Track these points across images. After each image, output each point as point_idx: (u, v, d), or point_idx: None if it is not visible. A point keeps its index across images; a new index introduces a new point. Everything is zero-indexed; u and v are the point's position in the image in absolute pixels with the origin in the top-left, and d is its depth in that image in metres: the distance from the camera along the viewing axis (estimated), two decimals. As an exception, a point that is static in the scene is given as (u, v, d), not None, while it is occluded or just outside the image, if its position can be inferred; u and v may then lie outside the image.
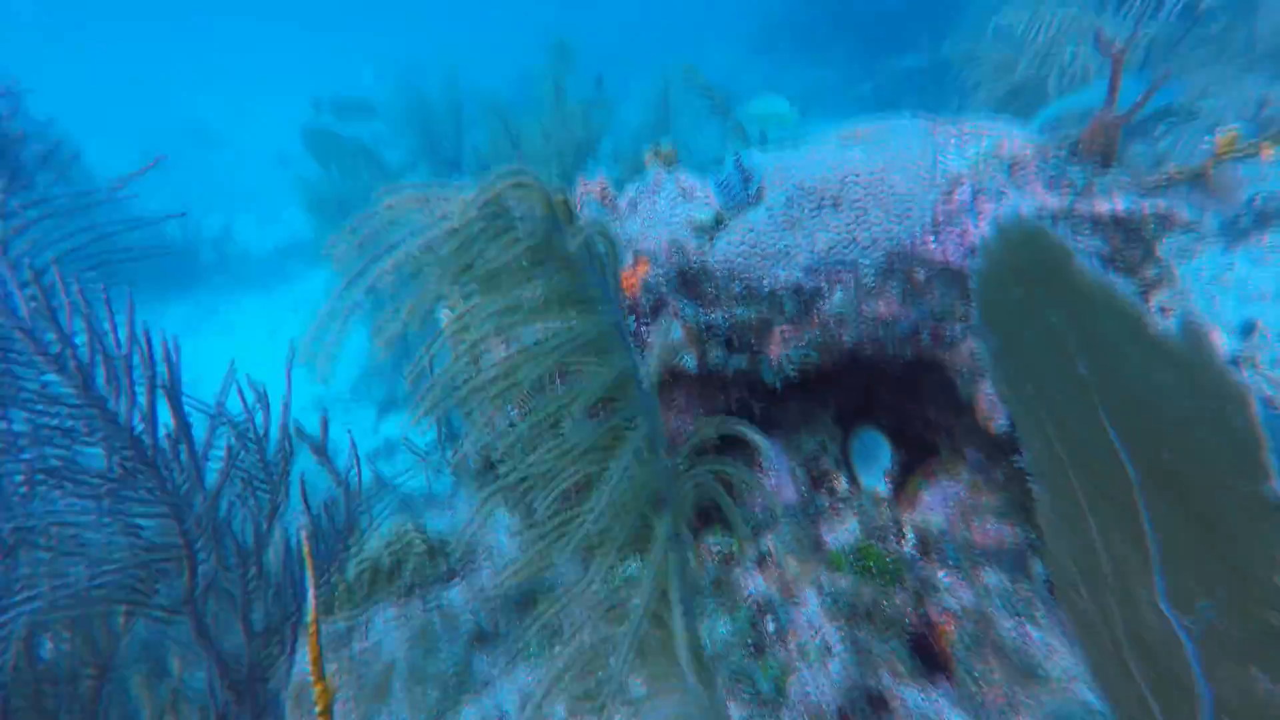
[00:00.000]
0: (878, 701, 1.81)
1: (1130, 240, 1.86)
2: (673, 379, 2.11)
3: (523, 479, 0.98)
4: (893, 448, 2.36)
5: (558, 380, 1.00)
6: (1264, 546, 1.15)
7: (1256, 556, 1.16)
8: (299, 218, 11.79)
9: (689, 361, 1.95)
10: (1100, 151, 1.88)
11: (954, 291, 1.94)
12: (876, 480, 2.32)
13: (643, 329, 2.01)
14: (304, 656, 2.30)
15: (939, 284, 1.94)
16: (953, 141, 2.03)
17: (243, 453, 1.85)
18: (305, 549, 1.21)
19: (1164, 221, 1.82)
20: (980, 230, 1.84)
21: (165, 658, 1.78)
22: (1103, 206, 1.83)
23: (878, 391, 2.46)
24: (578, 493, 0.99)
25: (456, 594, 2.61)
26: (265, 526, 1.85)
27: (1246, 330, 2.34)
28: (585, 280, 0.95)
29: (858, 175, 1.99)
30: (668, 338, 1.93)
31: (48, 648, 1.61)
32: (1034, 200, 1.83)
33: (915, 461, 2.40)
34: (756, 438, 1.12)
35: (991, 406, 1.92)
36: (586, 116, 7.92)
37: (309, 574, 1.15)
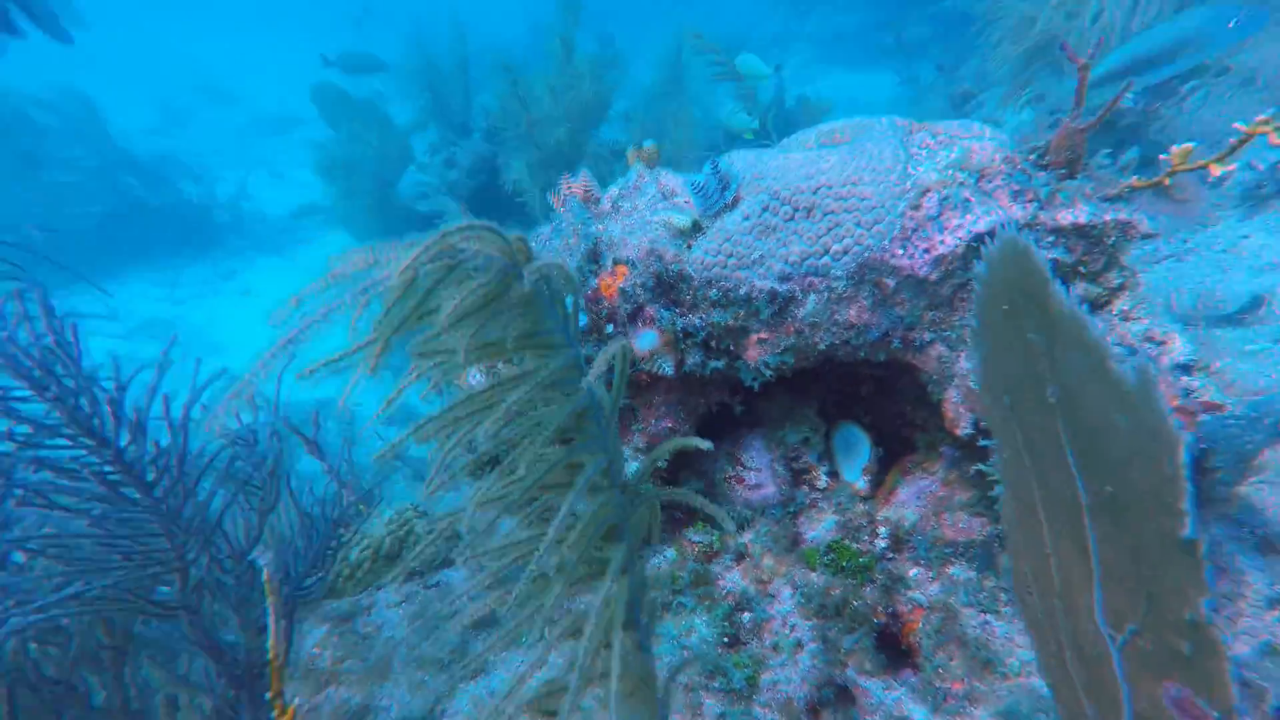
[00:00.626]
0: (844, 694, 1.93)
1: (1093, 248, 1.87)
2: (652, 382, 2.18)
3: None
4: (873, 443, 2.43)
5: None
6: (1175, 582, 1.24)
7: (1170, 589, 1.25)
8: (313, 179, 11.82)
9: (666, 367, 2.03)
10: (1067, 160, 1.88)
11: (921, 300, 1.97)
12: (855, 475, 2.40)
13: (619, 335, 2.08)
14: (311, 638, 2.48)
15: (907, 292, 1.97)
16: (925, 149, 2.03)
17: (237, 453, 1.96)
18: (267, 586, 1.32)
19: (1125, 229, 1.83)
20: (945, 242, 1.86)
21: (174, 645, 1.94)
22: (1065, 217, 1.84)
23: (859, 387, 2.52)
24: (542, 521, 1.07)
25: (457, 576, 2.76)
26: (259, 527, 1.98)
27: (1255, 303, 2.35)
28: (544, 320, 0.98)
29: (830, 185, 2.00)
30: (643, 347, 2.00)
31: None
32: (998, 211, 1.85)
33: (895, 456, 2.48)
34: (705, 445, 1.19)
35: (957, 413, 1.98)
36: (597, 76, 7.73)
37: (270, 608, 1.27)
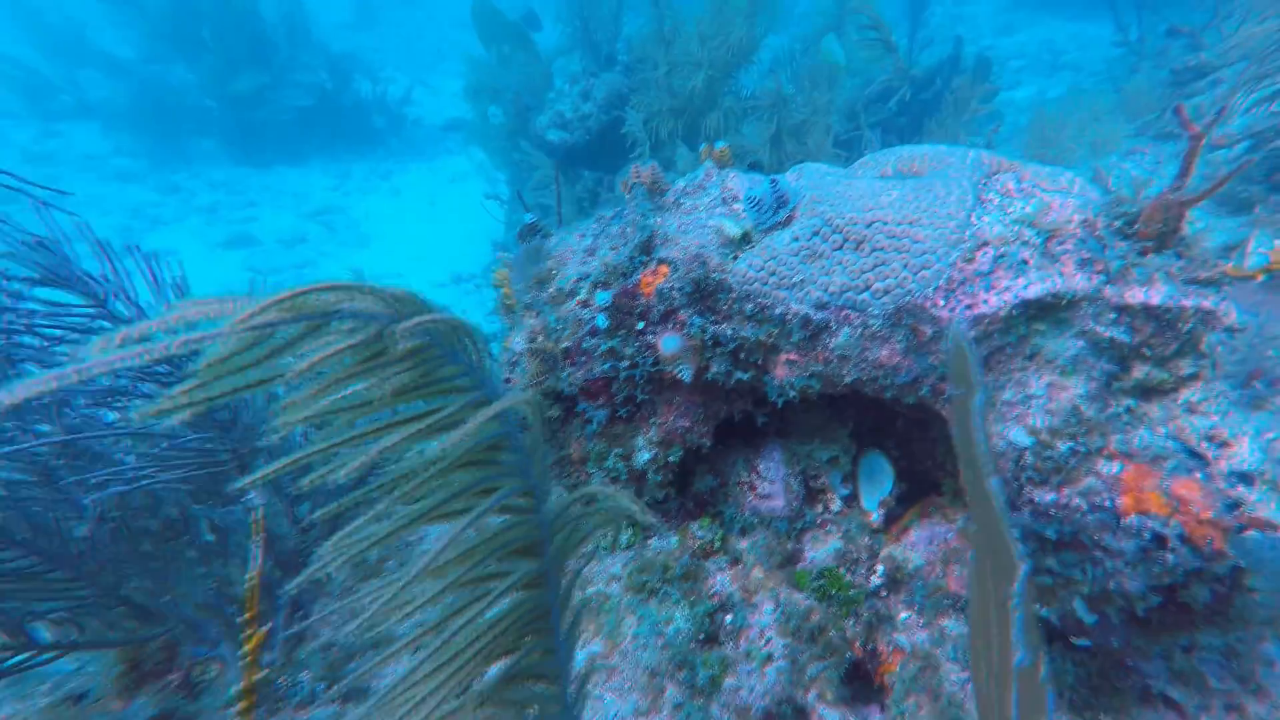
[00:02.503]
0: (801, 715, 2.02)
1: (1164, 331, 1.70)
2: (676, 381, 2.25)
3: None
4: (896, 477, 2.39)
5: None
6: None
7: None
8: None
9: (685, 373, 2.09)
10: (1158, 232, 1.69)
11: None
12: (872, 505, 2.38)
13: (648, 334, 2.15)
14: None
15: (943, 342, 1.90)
16: (1001, 194, 1.89)
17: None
18: (254, 526, 1.57)
19: (1206, 318, 1.64)
20: (989, 301, 1.77)
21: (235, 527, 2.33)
22: (1135, 295, 1.68)
23: (895, 419, 2.46)
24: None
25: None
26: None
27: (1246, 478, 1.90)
28: (438, 369, 0.95)
29: (886, 221, 1.93)
30: (666, 350, 2.07)
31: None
32: (1056, 279, 1.71)
33: (917, 495, 2.42)
34: (651, 520, 1.27)
35: (972, 476, 1.92)
36: (751, 15, 7.37)
37: (257, 546, 1.51)
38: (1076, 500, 1.61)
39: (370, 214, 14.41)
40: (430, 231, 13.67)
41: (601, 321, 2.07)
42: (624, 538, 2.34)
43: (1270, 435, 1.71)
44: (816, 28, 8.12)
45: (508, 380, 2.29)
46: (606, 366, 2.08)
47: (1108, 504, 1.57)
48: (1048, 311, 1.75)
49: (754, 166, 5.21)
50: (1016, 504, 1.71)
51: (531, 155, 8.97)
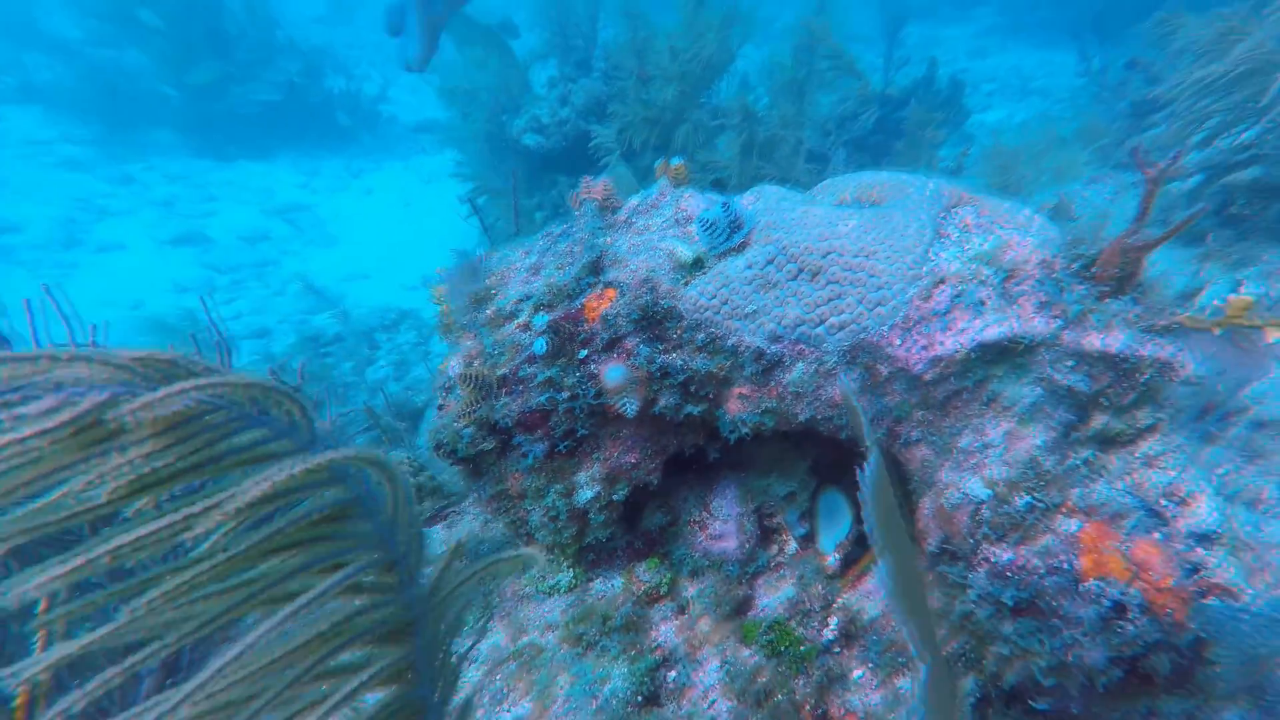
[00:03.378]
0: (742, 776, 1.88)
1: (1122, 380, 1.61)
2: (619, 416, 2.12)
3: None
4: (854, 517, 2.28)
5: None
6: None
7: None
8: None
9: (629, 407, 1.95)
10: (1115, 276, 1.61)
11: (913, 396, 1.78)
12: (829, 548, 2.26)
13: (591, 363, 2.01)
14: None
15: (899, 384, 1.79)
16: (960, 229, 1.80)
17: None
18: None
19: (1165, 369, 1.56)
20: (945, 343, 1.66)
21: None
22: (1093, 341, 1.59)
23: (855, 455, 2.35)
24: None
25: (436, 533, 2.86)
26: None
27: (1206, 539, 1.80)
28: (221, 440, 0.78)
29: (842, 253, 1.82)
30: (609, 381, 1.93)
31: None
32: (1014, 321, 1.62)
33: (876, 534, 2.32)
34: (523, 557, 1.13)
35: (927, 525, 1.81)
36: (723, 30, 7.30)
37: None
38: (1034, 561, 1.51)
39: (340, 213, 14.07)
40: (403, 233, 13.37)
41: (540, 348, 1.92)
42: (564, 579, 2.19)
43: (1222, 470, 1.63)
44: (791, 45, 8.09)
45: (442, 408, 2.13)
46: (544, 398, 1.93)
47: (1067, 566, 1.47)
48: (1006, 355, 1.65)
49: (718, 184, 5.11)
50: (973, 563, 1.60)
51: (507, 160, 8.79)
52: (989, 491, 1.60)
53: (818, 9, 7.83)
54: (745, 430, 2.07)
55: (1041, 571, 1.48)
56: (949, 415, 1.75)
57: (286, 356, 8.54)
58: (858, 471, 1.32)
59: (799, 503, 2.34)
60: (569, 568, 2.21)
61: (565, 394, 1.95)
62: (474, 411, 1.93)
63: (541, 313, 2.07)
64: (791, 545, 2.27)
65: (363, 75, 19.87)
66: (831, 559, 2.24)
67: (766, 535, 2.32)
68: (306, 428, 0.84)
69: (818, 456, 2.42)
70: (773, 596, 2.16)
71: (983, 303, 1.65)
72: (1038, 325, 1.62)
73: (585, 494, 2.05)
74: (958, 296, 1.67)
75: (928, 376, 1.71)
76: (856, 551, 2.28)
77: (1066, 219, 5.10)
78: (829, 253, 1.84)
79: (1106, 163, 6.00)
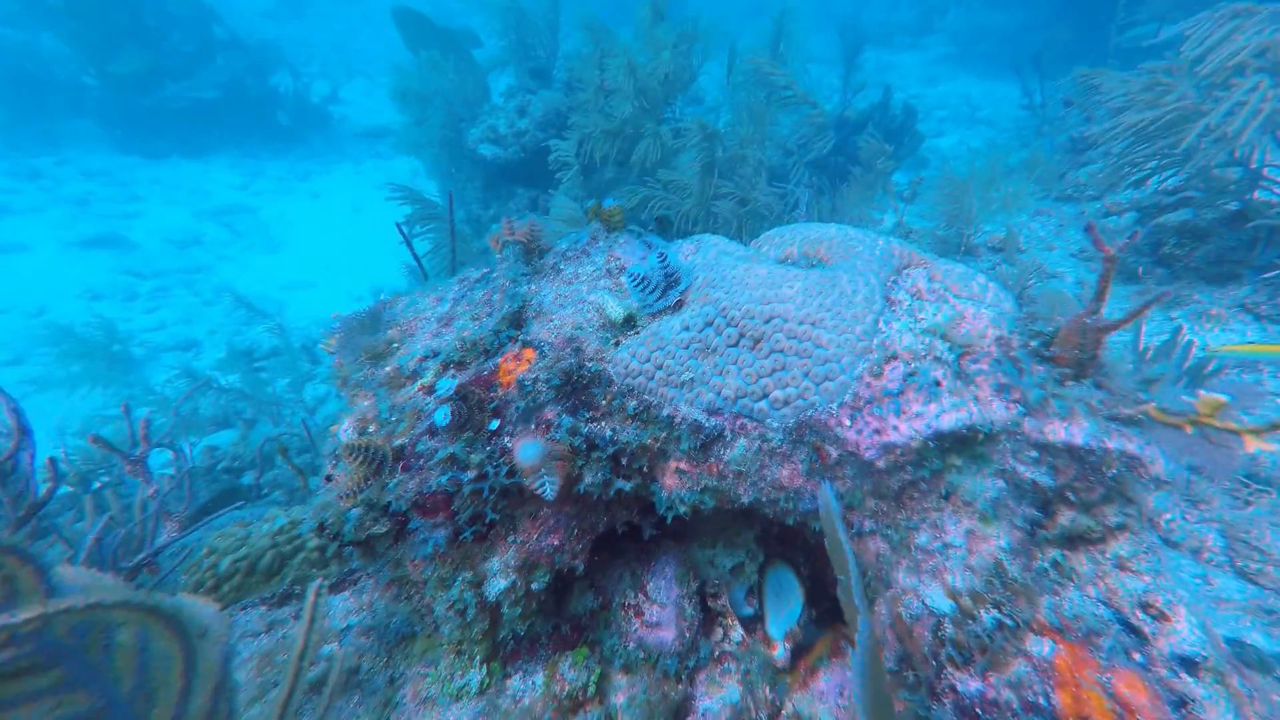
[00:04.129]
0: None
1: (1088, 474, 1.44)
2: (537, 495, 1.87)
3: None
4: (805, 600, 2.07)
5: None
6: None
7: None
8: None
9: (547, 489, 1.70)
10: (1075, 358, 1.44)
11: (866, 483, 1.59)
12: (779, 634, 2.05)
13: (504, 436, 1.76)
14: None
15: (850, 469, 1.59)
16: (911, 297, 1.61)
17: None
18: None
19: (1133, 464, 1.39)
20: (899, 429, 1.47)
21: None
22: (1056, 431, 1.42)
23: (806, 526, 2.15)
24: None
25: (339, 603, 2.56)
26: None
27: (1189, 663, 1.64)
28: None
29: (786, 319, 1.61)
30: (523, 460, 1.68)
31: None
32: (971, 407, 1.43)
33: (827, 617, 2.12)
34: None
35: (883, 634, 1.60)
36: (680, 48, 7.13)
37: None
38: (1006, 695, 1.31)
39: (284, 216, 13.42)
40: (351, 240, 12.81)
41: (442, 418, 1.66)
42: (475, 679, 1.92)
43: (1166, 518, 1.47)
44: (750, 68, 7.99)
45: (329, 479, 1.85)
46: (445, 479, 1.67)
47: (1043, 703, 1.28)
48: (964, 445, 1.46)
49: (661, 222, 4.90)
50: (936, 691, 1.40)
51: (465, 169, 8.44)
52: (952, 604, 1.41)
53: (776, 33, 7.76)
54: (683, 509, 1.85)
55: (1015, 709, 1.29)
56: (904, 508, 1.55)
57: (212, 373, 8.01)
58: (846, 649, 1.10)
59: (746, 575, 2.13)
60: (481, 663, 1.94)
61: (471, 473, 1.69)
62: (360, 491, 1.66)
63: (450, 374, 1.82)
64: (737, 632, 2.05)
65: (314, 74, 19.21)
66: (780, 649, 2.02)
67: (709, 620, 2.10)
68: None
69: (765, 528, 2.22)
70: (715, 698, 1.93)
71: (938, 384, 1.47)
72: (997, 411, 1.44)
73: (497, 585, 1.80)
74: (911, 375, 1.48)
75: (880, 464, 1.51)
76: (807, 637, 2.07)
77: (1015, 251, 5.09)
78: (771, 318, 1.63)
79: (1048, 194, 6.07)
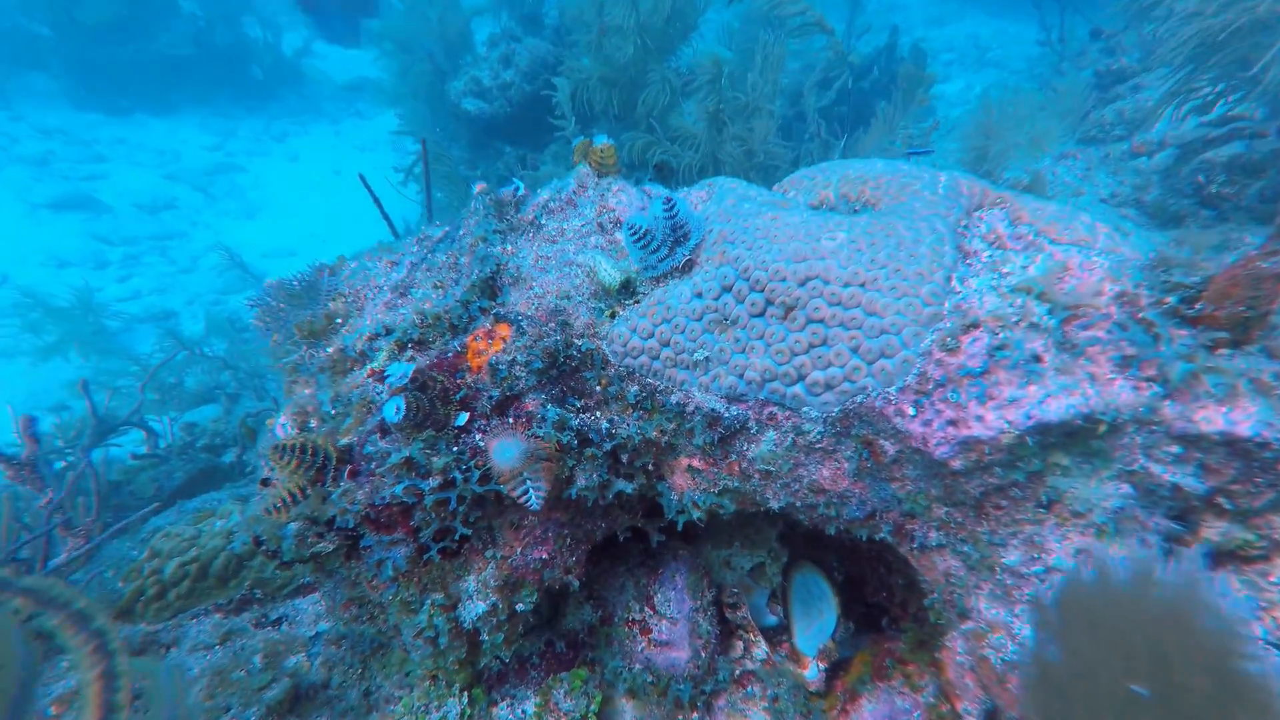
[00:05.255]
0: None
1: (1251, 475, 1.11)
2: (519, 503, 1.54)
3: None
4: (840, 609, 1.77)
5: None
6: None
7: None
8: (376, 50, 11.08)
9: (532, 498, 1.36)
10: (1234, 316, 1.09)
11: (933, 487, 1.25)
12: (810, 650, 1.75)
13: (475, 432, 1.42)
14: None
15: (912, 468, 1.26)
16: (990, 245, 1.25)
17: None
18: None
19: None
20: (985, 419, 1.13)
21: None
22: (1209, 419, 1.08)
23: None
24: None
25: (308, 606, 2.25)
26: None
27: None
28: None
29: (826, 280, 1.26)
30: (500, 463, 1.34)
31: None
32: (1088, 390, 1.09)
33: (867, 626, 1.82)
34: None
35: (960, 681, 1.29)
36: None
37: None
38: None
39: (260, 180, 12.82)
40: (333, 204, 12.25)
41: (394, 413, 1.31)
42: (453, 710, 1.62)
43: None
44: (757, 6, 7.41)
45: (266, 483, 1.50)
46: (400, 489, 1.33)
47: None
48: (1074, 439, 1.13)
49: (661, 169, 4.46)
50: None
51: (449, 126, 7.89)
52: (1053, 649, 1.08)
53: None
54: (697, 514, 1.52)
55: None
56: (986, 518, 1.22)
57: (196, 343, 7.60)
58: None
59: (768, 578, 1.82)
60: (461, 690, 1.64)
61: (435, 481, 1.35)
62: (295, 504, 1.32)
63: (407, 356, 1.46)
64: (760, 647, 1.75)
65: (282, 25, 18.26)
66: (812, 668, 1.72)
67: (728, 632, 1.80)
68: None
69: (791, 522, 1.89)
70: (736, 726, 1.63)
71: (1037, 359, 1.12)
72: (1121, 393, 1.09)
73: (475, 608, 1.47)
74: (998, 349, 1.13)
75: (955, 463, 1.18)
76: (843, 654, 1.76)
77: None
78: (808, 279, 1.28)
79: (1071, 135, 5.66)
